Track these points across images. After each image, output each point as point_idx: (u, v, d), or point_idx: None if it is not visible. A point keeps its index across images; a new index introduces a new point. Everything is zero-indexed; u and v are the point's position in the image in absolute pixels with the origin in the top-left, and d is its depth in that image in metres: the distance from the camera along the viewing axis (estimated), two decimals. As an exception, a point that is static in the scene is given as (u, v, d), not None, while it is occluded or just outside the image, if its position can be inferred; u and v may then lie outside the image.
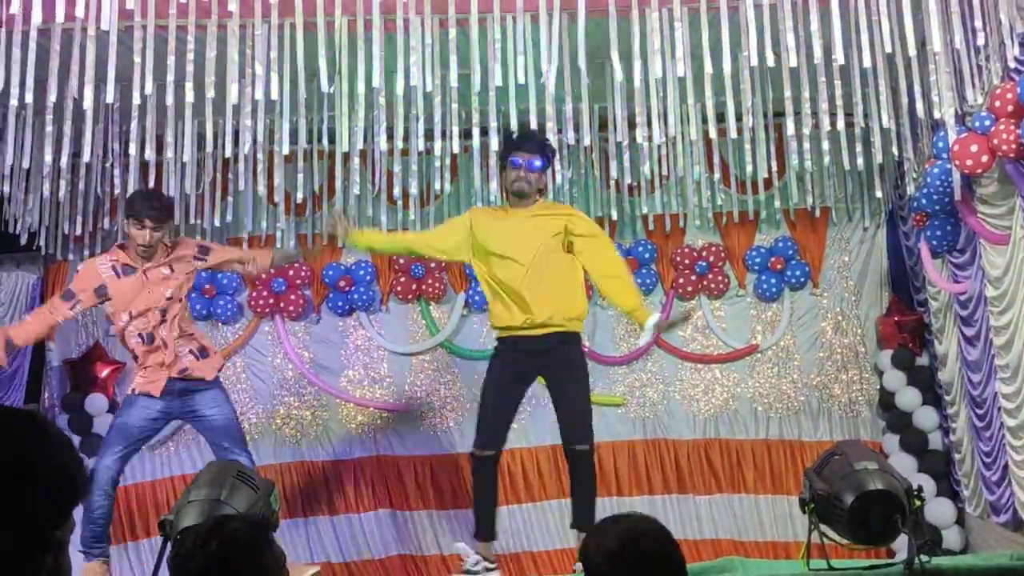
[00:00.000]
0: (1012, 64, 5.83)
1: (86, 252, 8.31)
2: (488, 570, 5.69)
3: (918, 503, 3.72)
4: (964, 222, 6.91)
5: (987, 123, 5.91)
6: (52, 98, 6.24)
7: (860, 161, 7.40)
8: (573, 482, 5.87)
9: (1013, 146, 5.62)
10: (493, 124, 6.78)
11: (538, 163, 5.87)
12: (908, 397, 8.28)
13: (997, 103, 5.76)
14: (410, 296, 8.80)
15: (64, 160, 6.94)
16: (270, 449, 8.65)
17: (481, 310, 8.79)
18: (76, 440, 7.96)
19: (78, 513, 5.84)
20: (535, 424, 8.39)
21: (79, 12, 5.81)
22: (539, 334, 5.72)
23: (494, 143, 6.95)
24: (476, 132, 6.88)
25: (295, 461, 8.66)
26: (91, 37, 5.98)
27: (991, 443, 6.97)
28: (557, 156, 7.05)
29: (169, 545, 3.43)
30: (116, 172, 7.56)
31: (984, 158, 5.98)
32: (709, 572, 4.26)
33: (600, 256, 5.88)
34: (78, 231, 8.03)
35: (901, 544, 3.94)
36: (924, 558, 3.83)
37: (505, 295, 5.77)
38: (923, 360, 8.34)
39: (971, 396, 7.27)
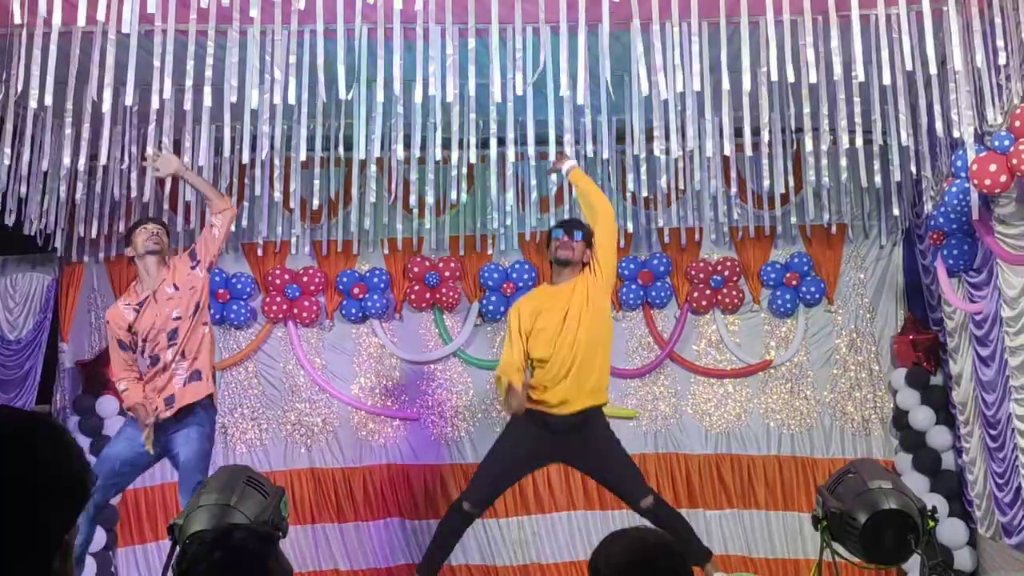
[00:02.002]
0: (1033, 84, 5.81)
1: (101, 254, 8.36)
2: None
3: (932, 523, 3.70)
4: (981, 242, 6.87)
5: (1006, 143, 5.87)
6: (71, 101, 6.27)
7: (878, 179, 7.37)
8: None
9: (1032, 166, 5.59)
10: (511, 135, 6.79)
11: (579, 235, 6.16)
12: (922, 416, 8.24)
13: (1017, 123, 5.73)
14: (424, 304, 8.80)
15: (82, 163, 6.96)
16: (280, 455, 8.66)
17: (495, 320, 8.78)
18: (86, 442, 7.97)
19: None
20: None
21: (100, 16, 5.83)
22: (567, 413, 5.87)
23: (511, 153, 6.94)
24: (493, 142, 6.88)
25: (305, 468, 8.65)
26: (112, 41, 6.00)
27: (1004, 464, 6.93)
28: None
29: (177, 549, 3.43)
30: (133, 175, 7.57)
31: (1003, 178, 5.94)
32: (719, 588, 4.24)
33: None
34: (94, 234, 8.04)
35: (912, 564, 3.91)
36: (936, 579, 3.81)
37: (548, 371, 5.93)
38: (937, 379, 8.30)
39: (985, 416, 7.22)
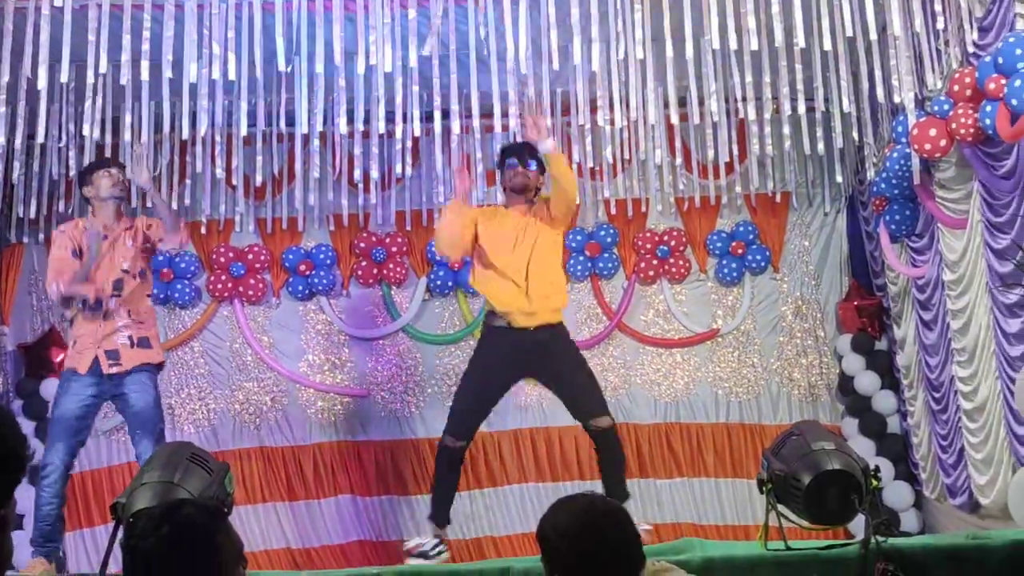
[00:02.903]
0: (971, 49, 5.87)
1: (41, 235, 8.20)
2: (439, 551, 5.74)
3: (875, 483, 3.74)
4: (923, 206, 6.95)
5: (946, 108, 5.94)
6: (5, 78, 6.13)
7: (821, 146, 7.42)
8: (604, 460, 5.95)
9: (971, 130, 5.65)
10: (455, 107, 6.74)
11: (533, 164, 5.91)
12: (867, 381, 8.34)
13: (956, 88, 5.79)
14: (371, 280, 8.75)
15: (18, 142, 6.83)
16: (229, 435, 8.59)
17: (443, 295, 8.76)
18: (31, 426, 7.84)
19: (28, 509, 5.79)
20: (497, 408, 8.31)
21: (32, -10, 5.72)
22: (533, 326, 5.75)
23: (455, 126, 6.90)
24: (437, 115, 6.83)
25: (254, 447, 8.60)
26: (45, 16, 5.88)
27: (947, 426, 7.03)
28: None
29: (121, 528, 3.39)
30: (71, 154, 7.44)
31: (943, 142, 6.01)
32: (666, 552, 4.26)
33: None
34: (32, 214, 7.90)
35: (858, 526, 3.95)
36: (880, 538, 3.85)
37: (505, 279, 5.78)
38: (882, 344, 8.40)
39: (928, 380, 7.33)
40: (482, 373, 5.90)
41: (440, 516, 5.89)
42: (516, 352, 5.81)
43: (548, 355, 5.83)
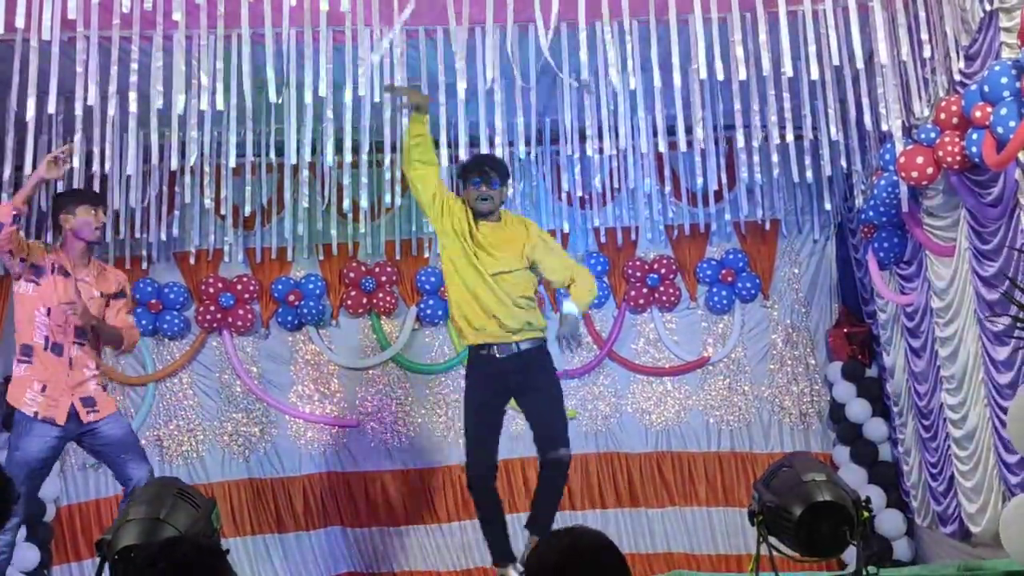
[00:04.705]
0: (957, 77, 5.89)
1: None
2: None
3: (866, 514, 3.72)
4: (911, 234, 6.97)
5: (932, 135, 5.96)
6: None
7: (809, 174, 7.44)
8: (541, 487, 5.90)
9: (958, 158, 5.66)
10: (443, 137, 6.75)
11: (497, 183, 5.88)
12: (858, 409, 8.33)
13: (942, 115, 5.81)
14: (360, 310, 8.72)
15: (7, 174, 6.81)
16: (218, 466, 8.55)
17: (433, 324, 8.74)
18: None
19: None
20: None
21: (19, 22, 5.71)
22: (511, 342, 5.72)
23: (444, 156, 6.89)
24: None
25: (243, 478, 8.54)
26: (33, 48, 5.88)
27: (937, 454, 7.02)
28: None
29: (107, 566, 3.36)
30: (59, 185, 7.40)
31: (929, 170, 6.02)
32: (659, 586, 4.24)
33: (550, 256, 5.96)
34: (20, 245, 7.86)
35: (851, 556, 3.94)
36: (872, 569, 3.83)
37: (476, 300, 5.75)
38: (872, 372, 8.39)
39: (918, 407, 7.32)
40: (479, 402, 5.89)
41: (499, 554, 5.88)
42: (501, 375, 5.79)
43: (529, 381, 5.81)
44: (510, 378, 5.79)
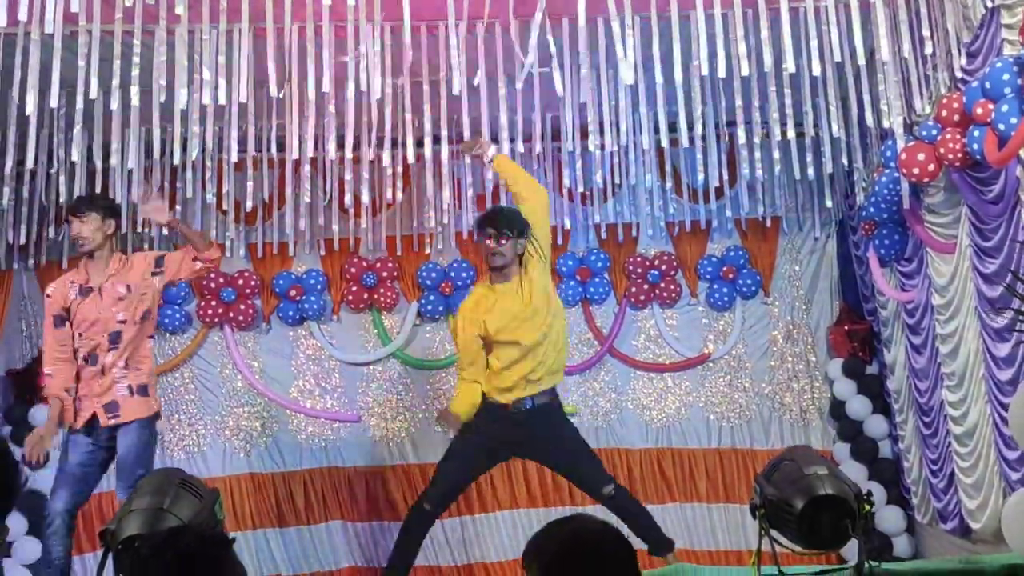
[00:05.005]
0: (959, 74, 5.89)
1: (31, 261, 8.17)
2: None
3: (868, 508, 3.72)
4: (911, 231, 6.97)
5: (934, 132, 5.96)
6: (-5, 104, 6.14)
7: (810, 171, 7.44)
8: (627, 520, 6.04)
9: (959, 155, 5.67)
10: (445, 132, 6.76)
11: (509, 233, 5.97)
12: (858, 406, 8.34)
13: (944, 112, 5.81)
14: (362, 305, 8.73)
15: (8, 167, 6.82)
16: (219, 461, 8.56)
17: (434, 319, 8.75)
18: (19, 452, 7.79)
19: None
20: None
21: (22, 16, 5.70)
22: (523, 398, 5.93)
23: (446, 152, 6.89)
24: (428, 141, 6.83)
25: (244, 473, 8.55)
26: (34, 41, 5.88)
27: (938, 451, 7.03)
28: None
29: (111, 556, 3.35)
30: (62, 180, 7.42)
31: (931, 167, 6.03)
32: (660, 579, 4.25)
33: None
34: (23, 240, 7.88)
35: (851, 551, 3.94)
36: (874, 563, 3.83)
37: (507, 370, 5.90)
38: (873, 369, 8.40)
39: (918, 404, 7.33)
40: (470, 444, 6.11)
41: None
42: (508, 428, 5.99)
43: (540, 435, 5.96)
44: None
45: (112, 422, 5.67)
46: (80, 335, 5.75)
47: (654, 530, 6.17)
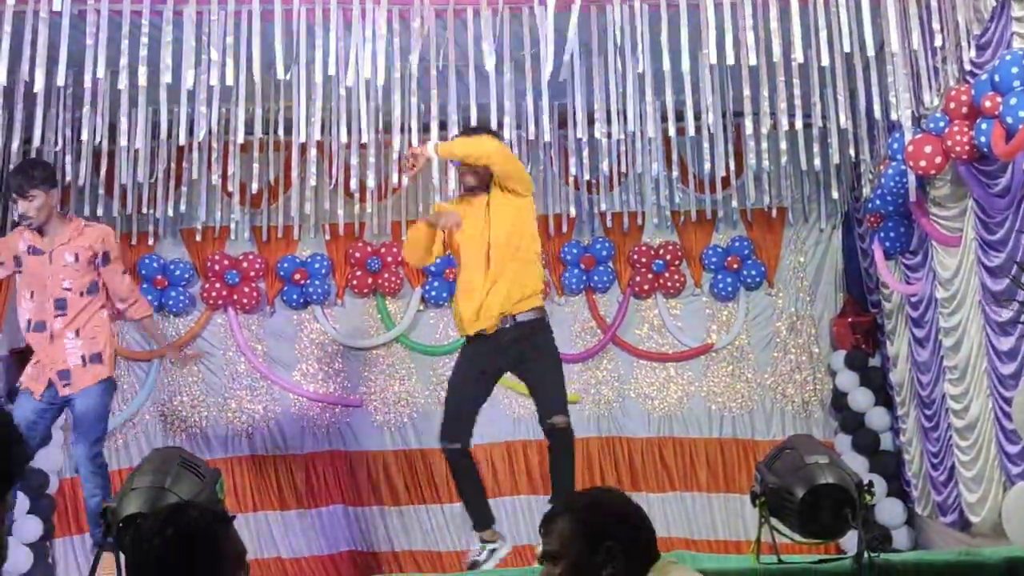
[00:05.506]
0: (968, 66, 5.88)
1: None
2: (492, 551, 5.59)
3: (868, 498, 3.73)
4: (917, 224, 6.96)
5: (941, 125, 5.95)
6: (3, 81, 6.12)
7: (817, 162, 7.43)
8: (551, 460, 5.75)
9: (966, 148, 5.66)
10: (452, 117, 6.75)
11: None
12: (860, 398, 8.33)
13: (952, 105, 5.80)
14: (366, 290, 8.73)
15: (15, 145, 6.82)
16: (221, 443, 8.56)
17: (438, 305, 8.74)
18: (23, 430, 7.81)
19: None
20: (490, 420, 8.30)
21: (31, -7, 5.72)
22: (509, 317, 5.68)
23: (452, 137, 6.84)
24: (435, 126, 6.82)
25: (246, 455, 8.55)
26: (43, 20, 5.88)
27: (938, 444, 7.03)
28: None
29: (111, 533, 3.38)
30: (68, 159, 7.42)
31: (938, 159, 6.02)
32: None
33: None
34: (28, 217, 7.87)
35: (850, 543, 3.95)
36: (873, 553, 3.85)
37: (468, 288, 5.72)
38: (876, 361, 8.40)
39: (920, 397, 7.33)
40: (466, 371, 5.82)
41: (476, 520, 5.74)
42: (494, 349, 5.72)
43: (529, 352, 5.73)
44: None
45: (66, 391, 5.69)
46: (31, 296, 5.72)
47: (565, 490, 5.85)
